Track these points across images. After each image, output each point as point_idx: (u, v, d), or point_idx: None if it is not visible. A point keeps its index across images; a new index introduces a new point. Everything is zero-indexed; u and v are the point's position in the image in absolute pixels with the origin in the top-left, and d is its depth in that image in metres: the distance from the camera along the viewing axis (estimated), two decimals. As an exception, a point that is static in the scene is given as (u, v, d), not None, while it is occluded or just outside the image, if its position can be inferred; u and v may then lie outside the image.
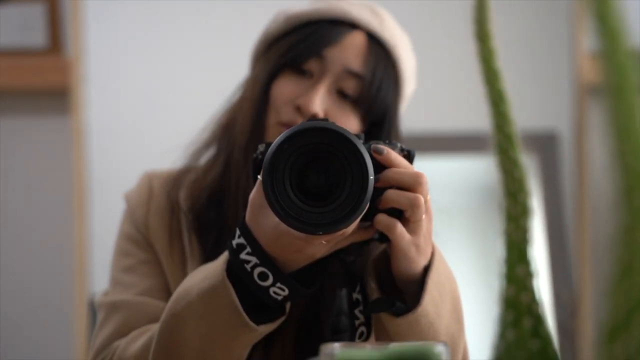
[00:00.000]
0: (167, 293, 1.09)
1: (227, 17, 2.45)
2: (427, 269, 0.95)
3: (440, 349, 0.56)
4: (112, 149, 2.45)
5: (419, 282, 0.95)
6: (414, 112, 2.68)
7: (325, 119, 0.97)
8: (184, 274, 1.08)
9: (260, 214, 0.91)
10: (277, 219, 0.88)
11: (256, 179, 0.92)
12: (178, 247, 1.11)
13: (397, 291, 0.97)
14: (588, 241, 2.18)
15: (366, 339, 1.00)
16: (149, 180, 1.17)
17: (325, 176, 0.88)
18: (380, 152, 0.93)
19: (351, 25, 1.13)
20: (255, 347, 0.98)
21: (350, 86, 1.11)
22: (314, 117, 1.08)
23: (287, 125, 1.09)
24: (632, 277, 0.32)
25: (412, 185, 0.92)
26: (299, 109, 1.09)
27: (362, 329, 1.00)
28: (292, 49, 1.12)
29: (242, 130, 1.12)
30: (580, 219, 2.28)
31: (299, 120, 1.08)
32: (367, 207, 0.88)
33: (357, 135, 0.91)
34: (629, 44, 0.36)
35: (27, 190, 1.81)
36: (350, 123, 1.10)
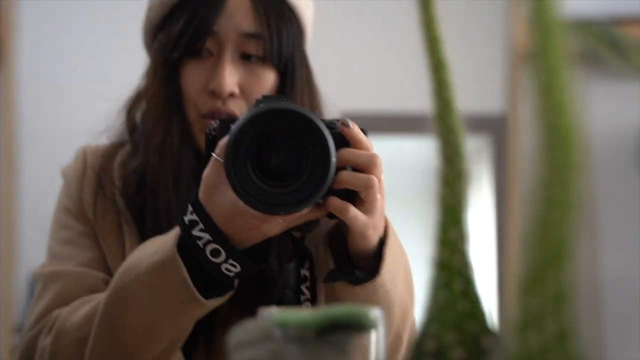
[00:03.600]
0: (106, 265, 1.08)
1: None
2: (382, 241, 0.96)
3: (375, 314, 0.57)
4: (43, 105, 2.40)
5: (375, 253, 0.96)
6: (363, 92, 2.69)
7: (279, 97, 0.97)
8: (121, 248, 1.08)
9: (215, 191, 0.91)
10: (233, 197, 0.88)
11: (210, 155, 0.92)
12: (113, 220, 1.11)
13: (352, 265, 0.98)
14: (515, 218, 2.23)
15: None
16: (84, 155, 1.17)
17: (286, 156, 0.89)
18: (346, 125, 0.94)
19: None
20: (199, 319, 0.98)
21: (252, 47, 1.09)
22: (230, 98, 1.08)
23: (209, 116, 1.08)
24: (548, 231, 0.33)
25: (366, 166, 0.93)
26: (214, 94, 1.08)
27: (307, 304, 1.00)
28: (184, 33, 1.09)
29: (154, 131, 1.11)
30: (512, 190, 2.32)
31: (219, 106, 1.08)
32: (327, 188, 0.89)
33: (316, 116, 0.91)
34: (558, 6, 0.37)
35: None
36: (266, 85, 1.09)
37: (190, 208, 0.93)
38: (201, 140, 1.07)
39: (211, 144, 0.94)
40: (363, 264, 0.97)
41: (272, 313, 0.57)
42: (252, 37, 1.08)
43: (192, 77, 1.09)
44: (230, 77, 1.08)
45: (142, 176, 1.11)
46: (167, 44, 1.10)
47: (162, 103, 1.11)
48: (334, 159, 0.88)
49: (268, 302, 1.02)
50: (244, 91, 1.09)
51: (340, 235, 0.98)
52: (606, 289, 2.33)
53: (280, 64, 1.10)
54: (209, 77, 1.09)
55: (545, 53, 0.35)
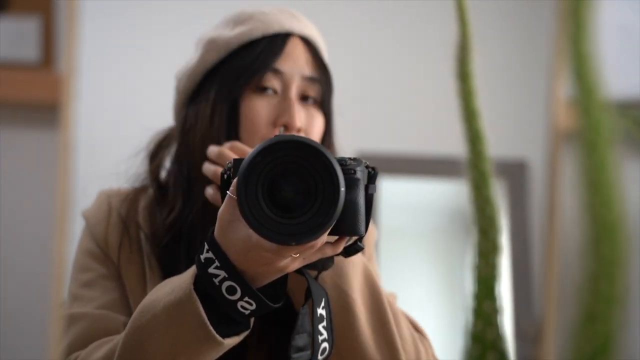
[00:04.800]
0: (127, 308, 1.09)
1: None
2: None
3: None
4: (98, 165, 2.45)
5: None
6: (387, 135, 2.71)
7: (292, 135, 1.00)
8: (143, 290, 1.09)
9: (229, 228, 0.91)
10: (247, 233, 0.89)
11: (224, 194, 0.93)
12: (137, 263, 1.12)
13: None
14: (555, 271, 2.21)
15: (328, 356, 1.01)
16: (107, 197, 1.18)
17: (297, 188, 0.89)
18: None
19: (286, 34, 1.18)
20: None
21: (310, 90, 1.18)
22: (297, 131, 1.13)
23: None
24: (596, 324, 0.34)
25: None
26: (285, 128, 1.14)
27: (325, 345, 1.00)
28: (247, 69, 1.15)
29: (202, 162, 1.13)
30: (549, 256, 2.31)
31: None
32: (337, 218, 0.89)
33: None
34: (604, 97, 0.37)
35: (10, 202, 1.80)
36: (320, 124, 1.18)
37: (206, 246, 0.93)
38: None
39: (226, 183, 0.95)
40: None
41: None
42: (311, 81, 1.18)
43: (258, 110, 1.15)
44: (299, 113, 1.16)
45: (179, 227, 1.12)
46: (230, 80, 1.15)
47: (219, 138, 1.14)
48: (343, 189, 0.89)
49: (286, 349, 1.02)
50: (305, 128, 1.17)
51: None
52: None
53: (328, 109, 1.20)
54: (278, 112, 1.15)
55: (594, 146, 0.35)
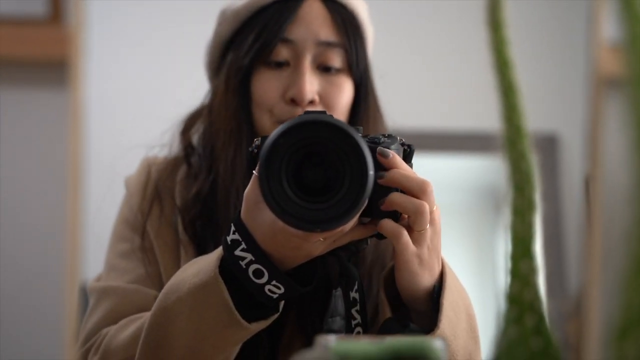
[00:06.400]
0: (160, 281, 1.07)
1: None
2: (440, 288, 0.92)
3: (438, 344, 0.55)
4: (110, 125, 2.43)
5: (431, 300, 0.92)
6: (416, 110, 2.68)
7: (323, 111, 0.95)
8: (176, 265, 1.07)
9: (255, 209, 0.89)
10: (273, 215, 0.86)
11: (251, 173, 0.90)
12: (171, 237, 1.10)
13: (407, 314, 0.94)
14: (597, 240, 2.18)
15: None
16: (148, 166, 1.15)
17: (323, 171, 0.86)
18: (385, 156, 0.90)
19: None
20: (244, 346, 0.95)
21: (330, 57, 1.08)
22: (311, 105, 1.06)
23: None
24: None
25: (417, 191, 0.89)
26: (293, 102, 1.07)
27: (359, 329, 0.97)
28: (255, 42, 1.08)
29: (225, 145, 1.09)
30: (589, 223, 2.27)
31: (298, 113, 1.05)
32: (365, 204, 0.86)
33: (356, 129, 0.88)
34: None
35: (21, 164, 1.79)
36: (345, 95, 1.08)
37: (232, 227, 0.91)
38: None
39: (253, 162, 0.91)
40: (416, 308, 0.93)
41: (332, 343, 0.55)
42: (330, 46, 1.07)
43: (268, 85, 1.08)
44: (310, 85, 1.06)
45: (204, 202, 1.09)
46: (240, 53, 1.09)
47: (233, 114, 1.09)
48: (371, 172, 0.84)
49: (317, 330, 0.99)
50: (324, 100, 1.08)
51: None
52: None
53: (358, 76, 1.10)
54: (287, 85, 1.07)
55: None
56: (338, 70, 1.09)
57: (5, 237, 2.04)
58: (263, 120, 1.08)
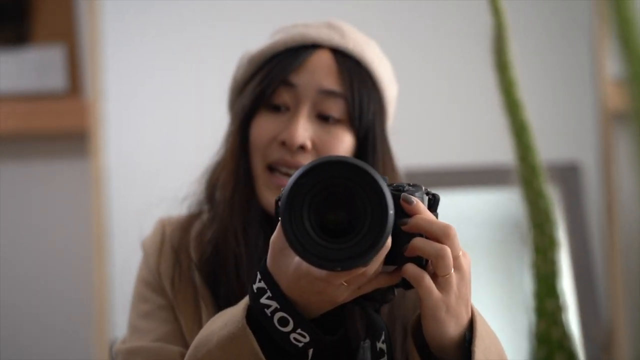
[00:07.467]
0: (183, 338, 1.08)
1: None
2: (471, 336, 0.90)
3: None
4: (131, 192, 2.46)
5: (461, 349, 0.90)
6: (433, 147, 2.68)
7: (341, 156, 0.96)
8: (197, 321, 1.07)
9: (281, 256, 0.89)
10: (297, 260, 0.86)
11: (277, 221, 0.90)
12: (189, 294, 1.10)
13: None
14: (619, 272, 2.15)
15: None
16: (162, 227, 1.17)
17: (345, 211, 0.86)
18: (409, 202, 0.90)
19: (313, 46, 1.10)
20: None
21: (330, 107, 1.09)
22: (301, 151, 1.07)
23: (275, 166, 1.08)
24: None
25: (439, 235, 0.88)
26: (283, 144, 1.08)
27: None
28: (259, 84, 1.10)
29: (225, 184, 1.11)
30: (610, 250, 2.25)
31: (287, 158, 1.07)
32: (386, 243, 0.86)
33: (382, 178, 0.87)
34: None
35: (46, 234, 1.81)
36: (341, 146, 1.08)
37: (258, 275, 0.91)
38: (266, 195, 1.08)
39: (278, 210, 0.91)
40: (445, 356, 0.91)
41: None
42: (331, 95, 1.08)
43: (265, 127, 1.09)
44: (304, 130, 1.07)
45: (216, 244, 1.10)
46: (246, 93, 1.11)
47: (232, 156, 1.11)
48: (391, 212, 0.84)
49: None
50: (318, 147, 1.08)
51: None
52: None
53: (361, 128, 1.09)
54: (282, 129, 1.08)
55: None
56: (337, 121, 1.09)
57: (35, 306, 2.06)
58: (255, 162, 1.10)
